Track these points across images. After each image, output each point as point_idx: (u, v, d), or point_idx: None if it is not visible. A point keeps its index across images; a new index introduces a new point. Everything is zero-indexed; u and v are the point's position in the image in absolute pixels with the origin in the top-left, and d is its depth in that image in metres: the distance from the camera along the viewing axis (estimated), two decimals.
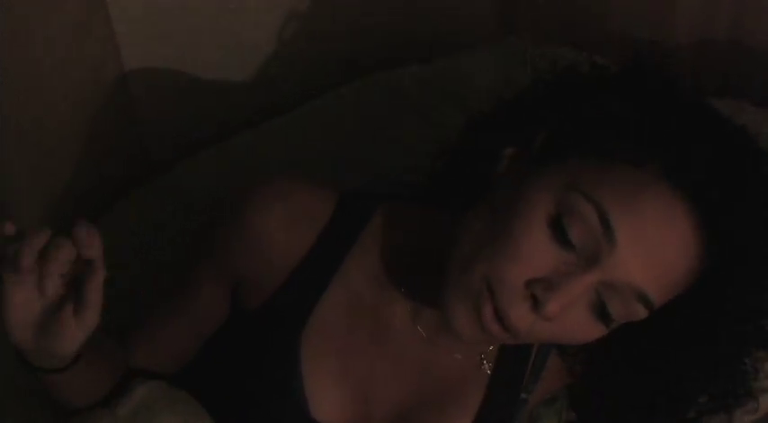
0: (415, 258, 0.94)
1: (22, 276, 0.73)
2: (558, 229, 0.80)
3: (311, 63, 1.37)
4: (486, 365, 0.96)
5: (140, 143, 1.37)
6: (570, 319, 0.82)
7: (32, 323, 0.78)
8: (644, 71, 0.88)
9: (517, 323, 0.81)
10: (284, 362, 0.93)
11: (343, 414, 0.94)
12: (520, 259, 0.81)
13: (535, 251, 0.80)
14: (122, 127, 1.35)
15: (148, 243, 1.24)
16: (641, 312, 0.81)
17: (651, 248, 0.79)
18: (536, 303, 0.80)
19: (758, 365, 0.93)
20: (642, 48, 1.32)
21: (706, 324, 0.86)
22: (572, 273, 0.79)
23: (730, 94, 1.24)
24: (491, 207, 0.85)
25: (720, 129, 0.84)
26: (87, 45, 1.28)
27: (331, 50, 1.38)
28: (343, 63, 1.37)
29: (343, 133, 1.27)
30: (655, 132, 0.81)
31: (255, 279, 0.96)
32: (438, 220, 0.94)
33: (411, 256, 0.94)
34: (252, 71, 1.33)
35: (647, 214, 0.78)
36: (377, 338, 0.95)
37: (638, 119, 0.82)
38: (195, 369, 1.02)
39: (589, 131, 0.83)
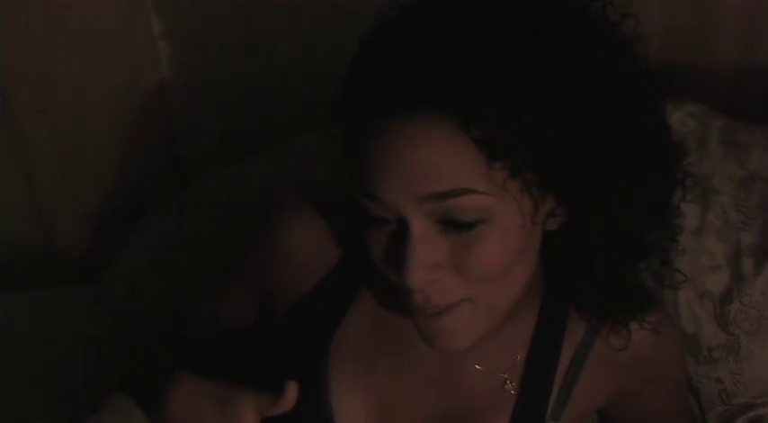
0: None
1: None
2: (369, 217, 0.80)
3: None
4: (510, 385, 0.94)
5: (174, 150, 1.39)
6: (449, 254, 0.79)
7: None
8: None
9: (435, 300, 0.81)
10: (312, 377, 0.93)
11: None
12: (375, 261, 0.83)
13: (370, 245, 0.82)
14: (158, 134, 1.37)
15: (176, 254, 1.25)
16: (472, 199, 0.76)
17: (394, 165, 0.76)
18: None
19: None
20: (682, 72, 1.31)
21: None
22: (398, 235, 0.79)
23: None
24: None
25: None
26: (127, 53, 1.29)
27: None
28: None
29: None
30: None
31: (284, 293, 0.96)
32: None
33: None
34: (288, 83, 1.34)
35: (374, 147, 0.77)
36: (401, 355, 0.94)
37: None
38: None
39: None
